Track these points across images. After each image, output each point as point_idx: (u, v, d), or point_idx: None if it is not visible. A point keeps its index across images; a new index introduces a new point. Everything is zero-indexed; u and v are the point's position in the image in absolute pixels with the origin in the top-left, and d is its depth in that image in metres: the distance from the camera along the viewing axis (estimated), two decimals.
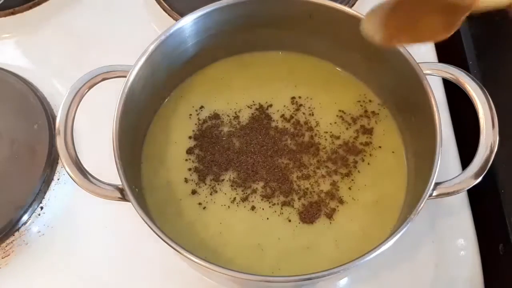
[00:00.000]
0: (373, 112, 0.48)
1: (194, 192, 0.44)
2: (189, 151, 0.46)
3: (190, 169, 0.46)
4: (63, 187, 0.49)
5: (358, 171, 0.45)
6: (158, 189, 0.45)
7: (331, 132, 0.47)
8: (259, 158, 0.45)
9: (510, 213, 0.45)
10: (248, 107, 0.49)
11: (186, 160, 0.46)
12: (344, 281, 0.45)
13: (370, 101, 0.49)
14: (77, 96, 0.38)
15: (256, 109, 0.49)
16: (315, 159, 0.46)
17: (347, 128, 0.48)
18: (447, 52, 0.56)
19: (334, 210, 0.43)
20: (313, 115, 0.48)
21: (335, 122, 0.48)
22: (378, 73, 0.47)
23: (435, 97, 0.40)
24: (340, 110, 0.49)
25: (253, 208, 0.44)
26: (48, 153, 0.49)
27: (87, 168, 0.38)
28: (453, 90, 0.49)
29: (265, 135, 0.47)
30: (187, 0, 0.58)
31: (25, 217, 0.47)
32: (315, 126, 0.47)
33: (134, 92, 0.41)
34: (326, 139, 0.47)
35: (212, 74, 0.51)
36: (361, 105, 0.49)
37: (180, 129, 0.48)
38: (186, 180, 0.45)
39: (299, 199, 0.44)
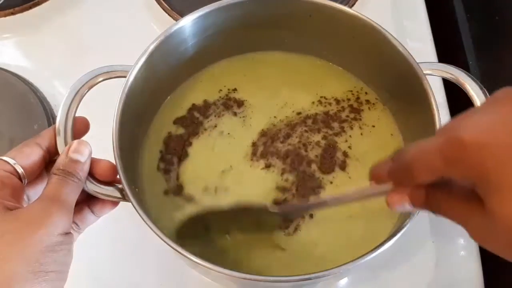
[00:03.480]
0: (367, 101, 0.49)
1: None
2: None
3: None
4: None
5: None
6: (159, 189, 0.45)
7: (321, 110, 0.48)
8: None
9: None
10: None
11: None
12: (344, 281, 0.45)
13: (366, 93, 0.50)
14: (77, 96, 0.38)
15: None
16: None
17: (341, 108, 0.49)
18: (447, 52, 0.56)
19: (344, 162, 0.45)
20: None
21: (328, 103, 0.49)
22: (378, 73, 0.47)
23: (435, 97, 0.40)
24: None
25: None
26: None
27: None
28: (453, 90, 0.49)
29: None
30: (187, 0, 0.58)
31: None
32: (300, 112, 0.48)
33: (134, 92, 0.41)
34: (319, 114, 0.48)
35: (212, 74, 0.51)
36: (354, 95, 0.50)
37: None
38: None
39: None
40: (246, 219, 0.41)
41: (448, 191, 0.25)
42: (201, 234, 0.42)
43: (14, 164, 0.33)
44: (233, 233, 0.42)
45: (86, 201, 0.37)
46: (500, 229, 0.22)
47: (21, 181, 0.33)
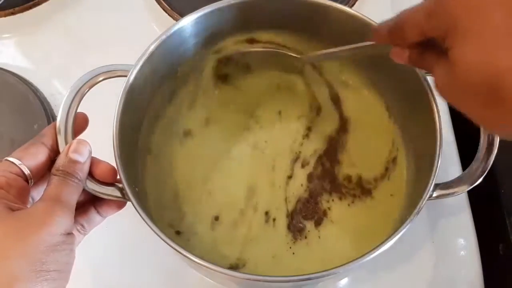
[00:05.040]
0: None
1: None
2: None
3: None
4: None
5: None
6: (159, 189, 0.45)
7: None
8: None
9: (510, 213, 0.45)
10: None
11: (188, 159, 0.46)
12: (344, 281, 0.45)
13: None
14: (78, 95, 0.38)
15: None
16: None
17: None
18: None
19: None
20: None
21: None
22: (378, 73, 0.47)
23: (435, 98, 0.40)
24: None
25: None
26: None
27: None
28: None
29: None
30: (187, 0, 0.58)
31: None
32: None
33: (135, 92, 0.41)
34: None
35: (213, 74, 0.51)
36: None
37: (182, 129, 0.48)
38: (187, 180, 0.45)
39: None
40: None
41: (427, 49, 0.30)
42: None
43: (20, 165, 0.32)
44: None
45: (92, 201, 0.37)
46: (458, 75, 0.25)
47: (28, 182, 0.33)
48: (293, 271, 0.41)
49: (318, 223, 0.44)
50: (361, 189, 0.45)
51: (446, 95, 0.28)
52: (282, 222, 0.44)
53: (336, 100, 0.49)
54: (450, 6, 0.25)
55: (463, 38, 0.24)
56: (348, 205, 0.45)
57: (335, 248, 0.42)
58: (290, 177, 0.46)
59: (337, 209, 0.44)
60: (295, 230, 0.43)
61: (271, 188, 0.45)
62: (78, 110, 0.37)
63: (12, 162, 0.32)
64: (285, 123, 0.49)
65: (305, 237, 0.43)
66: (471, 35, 0.24)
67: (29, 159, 0.33)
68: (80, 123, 0.37)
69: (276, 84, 0.50)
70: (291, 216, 0.44)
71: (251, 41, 0.48)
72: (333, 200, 0.45)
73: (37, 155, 0.34)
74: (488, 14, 0.24)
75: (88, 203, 0.37)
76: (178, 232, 0.42)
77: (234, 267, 0.41)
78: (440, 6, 0.26)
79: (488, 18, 0.24)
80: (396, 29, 0.31)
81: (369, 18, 0.43)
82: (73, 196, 0.33)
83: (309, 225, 0.43)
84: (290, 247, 0.42)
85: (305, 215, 0.44)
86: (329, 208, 0.44)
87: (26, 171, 0.33)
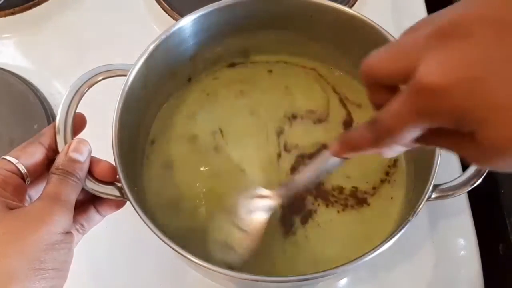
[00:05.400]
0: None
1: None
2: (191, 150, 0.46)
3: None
4: None
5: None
6: (159, 189, 0.45)
7: None
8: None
9: (510, 213, 0.45)
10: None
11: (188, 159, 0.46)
12: (343, 281, 0.45)
13: None
14: (77, 95, 0.38)
15: None
16: None
17: None
18: None
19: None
20: None
21: None
22: None
23: None
24: None
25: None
26: None
27: None
28: None
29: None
30: (187, 0, 0.58)
31: None
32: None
33: (134, 91, 0.41)
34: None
35: (212, 75, 0.51)
36: None
37: (182, 128, 0.48)
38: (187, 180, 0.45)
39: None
40: None
41: (436, 131, 0.24)
42: None
43: (17, 163, 0.33)
44: None
45: (91, 200, 0.37)
46: (496, 152, 0.21)
47: (24, 180, 0.33)
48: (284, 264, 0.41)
49: (304, 221, 0.43)
50: (356, 200, 0.44)
51: (482, 165, 0.24)
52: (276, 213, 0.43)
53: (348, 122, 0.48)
54: (452, 100, 0.21)
55: (489, 123, 0.21)
56: (338, 212, 0.43)
57: (324, 250, 0.42)
58: (279, 155, 0.45)
59: (324, 214, 0.43)
60: (286, 224, 0.42)
61: (269, 166, 0.45)
62: (77, 110, 0.37)
63: (9, 161, 0.33)
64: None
65: (294, 234, 0.42)
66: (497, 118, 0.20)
67: (26, 158, 0.33)
68: (78, 123, 0.37)
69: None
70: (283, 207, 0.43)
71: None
72: (318, 205, 0.44)
73: (34, 154, 0.34)
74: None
75: (88, 202, 0.37)
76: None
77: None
78: (435, 101, 0.21)
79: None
80: (384, 139, 0.25)
81: (369, 19, 0.43)
82: (72, 195, 0.33)
83: (297, 220, 0.43)
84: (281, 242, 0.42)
85: (292, 209, 0.43)
86: (315, 211, 0.43)
87: (23, 170, 0.33)
